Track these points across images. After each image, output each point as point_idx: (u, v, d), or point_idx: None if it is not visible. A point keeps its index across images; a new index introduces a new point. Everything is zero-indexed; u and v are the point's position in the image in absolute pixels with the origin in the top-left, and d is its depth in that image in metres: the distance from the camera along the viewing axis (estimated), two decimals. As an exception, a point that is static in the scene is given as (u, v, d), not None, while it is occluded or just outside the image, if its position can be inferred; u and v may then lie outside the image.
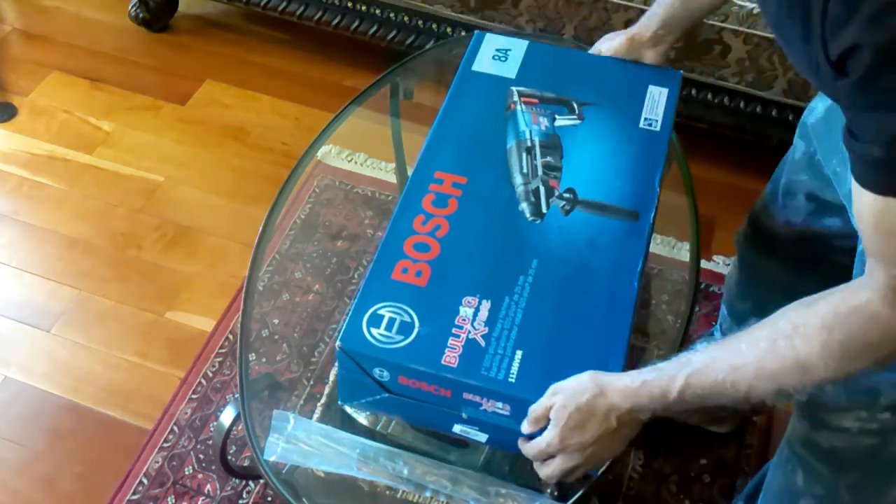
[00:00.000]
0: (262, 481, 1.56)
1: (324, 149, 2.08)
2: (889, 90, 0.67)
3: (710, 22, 1.76)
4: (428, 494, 1.17)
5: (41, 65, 2.33)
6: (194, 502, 1.57)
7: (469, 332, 0.96)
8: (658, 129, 1.16)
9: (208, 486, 1.59)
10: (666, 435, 1.61)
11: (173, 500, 1.57)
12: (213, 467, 1.60)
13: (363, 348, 0.96)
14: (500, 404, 0.94)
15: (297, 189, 1.99)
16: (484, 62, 1.26)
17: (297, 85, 2.28)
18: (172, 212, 2.01)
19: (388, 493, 1.20)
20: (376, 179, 2.06)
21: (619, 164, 1.13)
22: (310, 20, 2.18)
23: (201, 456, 1.62)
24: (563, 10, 1.86)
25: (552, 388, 0.92)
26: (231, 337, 1.78)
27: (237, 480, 1.58)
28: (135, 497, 1.57)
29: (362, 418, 1.29)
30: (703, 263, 1.85)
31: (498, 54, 1.26)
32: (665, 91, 1.20)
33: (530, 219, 1.06)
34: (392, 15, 2.09)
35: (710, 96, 1.91)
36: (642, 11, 1.32)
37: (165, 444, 1.63)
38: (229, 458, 1.41)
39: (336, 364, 1.01)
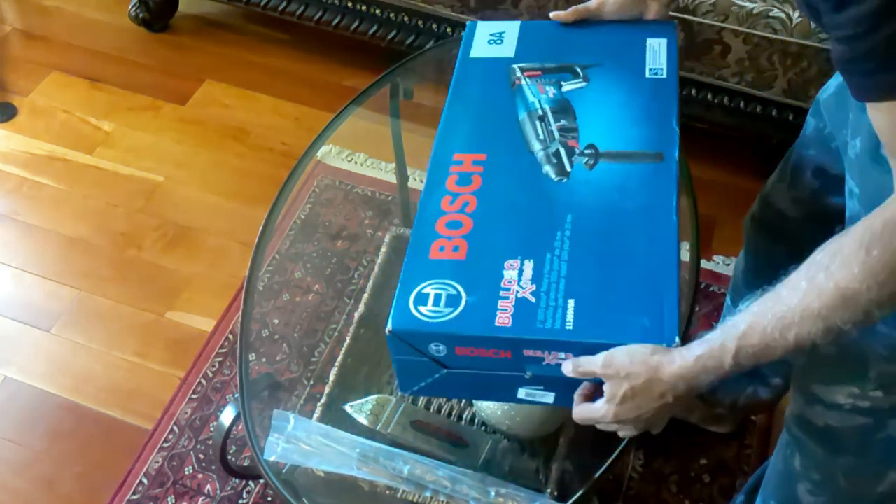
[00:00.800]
0: (262, 481, 1.56)
1: (324, 149, 2.08)
2: None
3: (710, 22, 1.76)
4: (428, 494, 1.17)
5: (41, 65, 2.33)
6: (194, 502, 1.57)
7: (517, 291, 0.95)
8: (665, 76, 1.16)
9: (208, 486, 1.59)
10: (666, 435, 1.61)
11: (173, 500, 1.57)
12: (213, 467, 1.60)
13: (414, 326, 0.94)
14: (562, 354, 0.93)
15: (297, 189, 1.99)
16: (480, 48, 1.25)
17: (297, 85, 2.28)
18: (172, 212, 2.01)
19: (388, 493, 1.20)
20: (376, 179, 2.06)
21: (634, 114, 1.12)
22: (310, 20, 2.18)
23: (201, 456, 1.62)
24: (563, 9, 1.86)
25: (605, 357, 0.90)
26: (231, 337, 1.78)
27: (237, 480, 1.58)
28: (135, 497, 1.57)
29: (362, 418, 1.30)
30: (703, 263, 1.85)
31: (493, 38, 1.26)
32: (664, 41, 1.20)
33: (556, 179, 1.05)
34: (392, 15, 2.09)
35: (710, 96, 1.91)
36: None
37: (165, 444, 1.63)
38: (229, 458, 1.42)
39: (389, 352, 0.98)
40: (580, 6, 1.21)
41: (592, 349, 0.91)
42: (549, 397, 0.99)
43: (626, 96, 1.15)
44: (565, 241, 0.99)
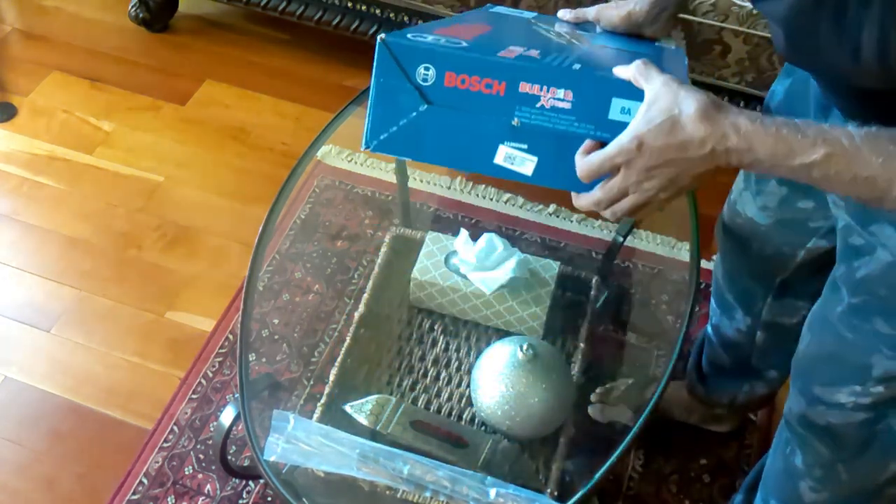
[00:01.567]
0: (262, 481, 1.56)
1: (324, 149, 2.08)
2: None
3: (710, 22, 1.76)
4: (428, 495, 1.17)
5: (41, 65, 2.33)
6: (194, 502, 1.57)
7: (522, 51, 0.91)
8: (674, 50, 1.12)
9: (208, 486, 1.59)
10: (666, 435, 1.61)
11: (173, 500, 1.57)
12: (213, 467, 1.60)
13: (409, 41, 0.89)
14: (560, 92, 0.87)
15: (297, 189, 1.99)
16: (502, 9, 1.22)
17: (297, 85, 2.28)
18: (172, 212, 2.01)
19: (388, 493, 1.20)
20: (376, 179, 2.06)
21: (646, 53, 1.08)
22: (310, 20, 2.18)
23: (201, 456, 1.62)
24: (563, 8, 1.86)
25: (633, 134, 0.81)
26: (231, 337, 1.78)
27: (237, 480, 1.58)
28: (135, 497, 1.57)
29: (362, 418, 1.30)
30: (703, 263, 1.85)
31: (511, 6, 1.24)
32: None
33: (567, 38, 1.04)
34: (392, 15, 2.09)
35: (710, 96, 1.91)
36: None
37: (165, 444, 1.63)
38: (229, 458, 1.42)
39: (373, 74, 0.91)
40: (580, 10, 1.20)
41: (597, 88, 0.86)
42: (529, 165, 0.91)
43: (639, 47, 1.11)
44: (574, 57, 0.94)
